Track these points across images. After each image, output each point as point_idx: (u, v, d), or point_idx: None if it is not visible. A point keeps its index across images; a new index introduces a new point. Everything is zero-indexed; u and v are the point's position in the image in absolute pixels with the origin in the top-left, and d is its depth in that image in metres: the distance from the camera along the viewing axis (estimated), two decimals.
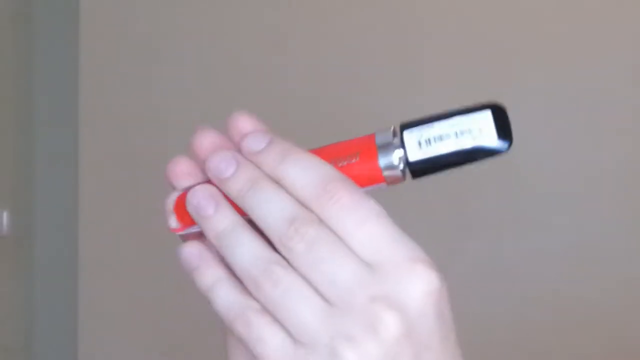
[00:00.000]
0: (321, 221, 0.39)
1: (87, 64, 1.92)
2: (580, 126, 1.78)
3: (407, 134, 0.43)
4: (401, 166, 0.43)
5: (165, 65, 1.91)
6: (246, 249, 0.40)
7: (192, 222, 0.44)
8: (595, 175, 1.77)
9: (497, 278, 1.76)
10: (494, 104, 0.43)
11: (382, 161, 0.43)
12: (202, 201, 0.42)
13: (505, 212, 1.78)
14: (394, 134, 0.44)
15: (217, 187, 0.43)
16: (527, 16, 1.80)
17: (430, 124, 0.43)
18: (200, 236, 0.44)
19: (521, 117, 1.79)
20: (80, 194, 1.93)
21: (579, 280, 1.76)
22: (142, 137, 1.91)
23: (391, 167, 0.43)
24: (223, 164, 0.42)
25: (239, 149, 0.43)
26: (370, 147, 0.43)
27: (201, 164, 0.44)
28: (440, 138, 0.43)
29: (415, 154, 0.43)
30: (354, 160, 0.43)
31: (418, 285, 0.38)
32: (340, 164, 0.43)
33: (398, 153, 0.43)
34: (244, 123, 0.44)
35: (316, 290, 0.39)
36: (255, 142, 0.42)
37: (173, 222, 0.45)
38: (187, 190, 0.44)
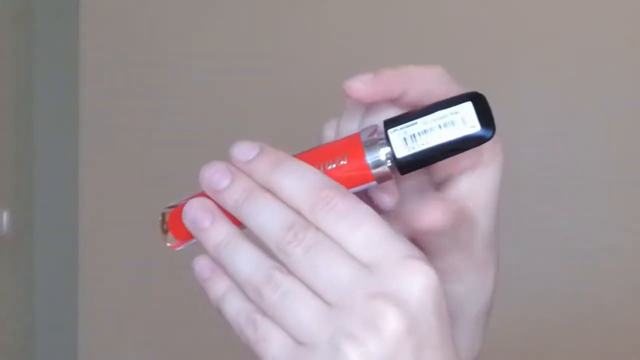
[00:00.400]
0: (317, 227, 0.40)
1: (87, 64, 1.92)
2: (580, 126, 1.78)
3: (391, 132, 0.44)
4: (389, 163, 0.44)
5: (165, 65, 1.91)
6: (245, 258, 0.41)
7: (188, 237, 0.45)
8: (596, 175, 1.77)
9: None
10: (473, 94, 0.44)
11: (370, 159, 0.43)
12: (198, 214, 0.43)
13: (505, 213, 1.77)
14: (379, 131, 0.44)
15: (211, 199, 0.43)
16: (527, 16, 1.80)
17: (413, 120, 0.43)
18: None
19: (521, 117, 1.79)
20: (80, 194, 1.93)
21: (579, 280, 1.76)
22: (142, 137, 1.91)
23: (379, 164, 0.44)
24: (217, 176, 0.43)
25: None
26: (357, 147, 0.44)
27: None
28: (425, 132, 0.43)
29: (402, 151, 0.43)
30: (342, 162, 0.44)
31: (416, 280, 0.39)
32: (329, 167, 0.44)
33: (384, 150, 0.44)
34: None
35: (315, 292, 0.40)
36: (245, 152, 0.43)
37: (170, 239, 0.46)
38: (179, 205, 0.45)
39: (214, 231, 0.43)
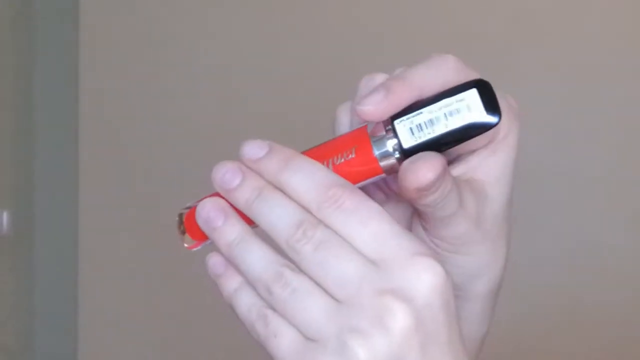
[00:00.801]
0: (326, 225, 0.41)
1: (87, 64, 1.92)
2: (581, 126, 1.78)
3: (397, 124, 0.44)
4: (396, 154, 0.44)
5: (166, 65, 1.91)
6: (256, 256, 0.42)
7: (204, 237, 0.45)
8: (596, 175, 1.77)
9: None
10: (478, 81, 0.44)
11: (377, 152, 0.44)
12: (211, 213, 0.44)
13: None
14: (386, 123, 0.44)
15: (224, 199, 0.44)
16: (527, 15, 1.80)
17: (419, 110, 0.44)
18: None
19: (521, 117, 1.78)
20: (81, 194, 1.93)
21: (579, 282, 1.76)
22: (142, 137, 1.91)
23: (387, 155, 0.44)
24: (229, 175, 0.44)
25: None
26: (364, 140, 0.44)
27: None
28: (431, 122, 0.43)
29: (409, 142, 0.43)
30: (350, 156, 0.44)
31: (424, 277, 0.40)
32: (338, 162, 0.44)
33: (392, 142, 0.44)
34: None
35: (324, 289, 0.40)
36: (255, 150, 0.44)
37: (187, 240, 0.47)
38: (194, 206, 0.45)
39: (227, 230, 0.43)
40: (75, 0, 1.91)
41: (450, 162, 0.47)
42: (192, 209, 0.46)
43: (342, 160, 0.44)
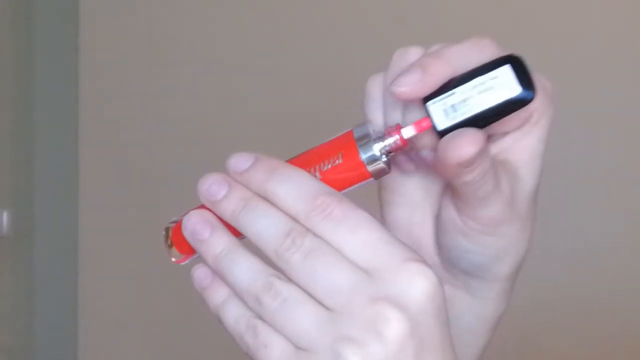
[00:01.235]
0: (315, 233, 0.40)
1: (87, 64, 1.92)
2: (581, 126, 1.78)
3: (430, 105, 0.43)
4: (384, 157, 0.43)
5: (166, 65, 1.91)
6: (244, 267, 0.41)
7: (192, 250, 0.45)
8: (596, 175, 1.77)
9: None
10: (510, 56, 0.43)
11: (364, 156, 0.43)
12: (197, 226, 0.43)
13: None
14: (371, 126, 0.44)
15: (210, 211, 0.44)
16: (527, 15, 1.80)
17: (452, 90, 0.43)
18: None
19: None
20: (81, 194, 1.93)
21: (579, 281, 1.76)
22: (142, 137, 1.91)
23: (374, 159, 0.43)
24: (214, 187, 0.43)
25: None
26: (350, 144, 0.43)
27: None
28: (465, 101, 0.42)
29: (443, 123, 0.43)
30: (337, 162, 0.43)
31: (416, 283, 0.39)
32: (325, 168, 0.43)
33: (378, 145, 0.43)
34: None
35: (315, 298, 0.40)
36: (241, 162, 0.43)
37: (174, 254, 0.46)
38: (180, 219, 0.45)
39: (213, 242, 0.43)
40: (75, 0, 1.91)
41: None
42: (179, 223, 0.45)
43: (329, 166, 0.43)
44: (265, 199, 0.42)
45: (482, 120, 0.42)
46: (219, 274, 0.43)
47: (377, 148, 0.43)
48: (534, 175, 0.47)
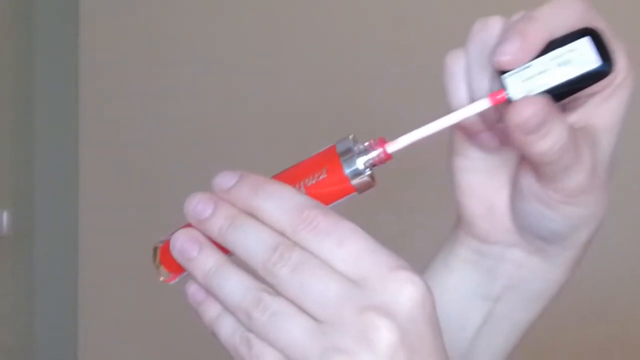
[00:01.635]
0: (302, 247, 0.41)
1: (87, 64, 1.92)
2: None
3: (507, 78, 0.43)
4: (367, 171, 0.43)
5: (166, 65, 1.91)
6: (233, 283, 0.42)
7: (181, 269, 0.45)
8: None
9: None
10: (587, 29, 0.43)
11: (348, 170, 0.43)
12: (185, 244, 0.44)
13: None
14: (354, 141, 0.44)
15: (197, 229, 0.44)
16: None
17: (529, 63, 0.42)
18: None
19: None
20: (81, 194, 1.94)
21: (579, 281, 1.76)
22: (142, 137, 1.91)
23: (357, 173, 0.43)
24: (201, 205, 0.43)
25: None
26: (334, 159, 0.44)
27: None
28: (542, 74, 0.42)
29: (519, 96, 0.42)
30: (322, 177, 0.44)
31: (405, 291, 0.39)
32: (309, 183, 0.44)
33: (362, 159, 0.43)
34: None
35: (305, 311, 0.40)
36: (225, 180, 0.44)
37: (163, 273, 0.47)
38: (168, 239, 0.45)
39: (202, 260, 0.43)
40: (75, 0, 1.91)
41: (564, 110, 0.46)
42: (167, 242, 0.45)
43: (314, 181, 0.44)
44: (252, 215, 0.42)
45: (559, 93, 0.42)
46: (209, 291, 0.43)
47: (360, 162, 0.43)
48: (614, 140, 0.47)
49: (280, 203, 0.42)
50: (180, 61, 1.91)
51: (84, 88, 1.92)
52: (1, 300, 1.83)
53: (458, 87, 0.46)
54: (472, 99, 0.45)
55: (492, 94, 0.43)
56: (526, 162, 0.47)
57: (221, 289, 0.42)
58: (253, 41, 1.88)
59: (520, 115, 0.41)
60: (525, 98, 0.41)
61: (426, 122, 0.45)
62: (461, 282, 0.53)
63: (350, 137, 0.44)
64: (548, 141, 0.42)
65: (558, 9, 0.43)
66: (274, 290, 0.41)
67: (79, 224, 1.93)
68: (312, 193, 0.43)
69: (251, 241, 0.41)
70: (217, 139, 1.88)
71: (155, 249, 0.47)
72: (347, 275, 0.40)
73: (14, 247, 1.87)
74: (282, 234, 0.41)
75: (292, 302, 0.40)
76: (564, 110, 0.45)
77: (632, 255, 1.76)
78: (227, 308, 0.42)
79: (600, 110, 0.46)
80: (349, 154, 0.44)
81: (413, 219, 1.79)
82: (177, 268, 0.45)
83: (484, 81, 0.45)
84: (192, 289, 0.44)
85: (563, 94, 0.42)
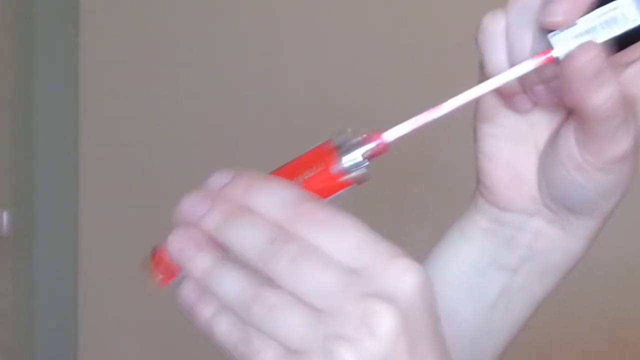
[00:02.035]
0: (300, 238, 0.41)
1: (87, 64, 1.92)
2: None
3: (552, 37, 0.43)
4: (365, 163, 0.44)
5: (166, 65, 1.91)
6: (233, 279, 0.41)
7: (172, 274, 0.45)
8: None
9: None
10: None
11: (345, 162, 0.44)
12: (183, 244, 0.43)
13: None
14: (351, 134, 0.44)
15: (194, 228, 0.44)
16: None
17: (574, 22, 0.43)
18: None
19: None
20: (81, 193, 1.94)
21: (578, 282, 1.76)
22: (142, 137, 1.91)
23: (355, 166, 0.44)
24: (196, 204, 0.43)
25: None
26: (330, 152, 0.44)
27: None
28: (587, 32, 0.43)
29: (565, 53, 0.43)
30: (318, 171, 0.44)
31: (405, 278, 0.39)
32: (306, 177, 0.44)
33: (358, 151, 0.44)
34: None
35: (305, 301, 0.40)
36: (220, 179, 0.44)
37: (156, 277, 0.47)
38: (160, 245, 0.45)
39: (200, 258, 0.43)
40: (75, 0, 1.91)
41: None
42: (160, 247, 0.45)
43: (310, 175, 0.44)
44: (248, 211, 0.42)
45: (605, 51, 0.43)
46: (208, 289, 0.43)
47: (357, 154, 0.44)
48: None
49: (276, 197, 0.41)
50: (180, 61, 1.91)
51: (84, 88, 1.92)
52: (1, 300, 1.84)
53: (497, 49, 0.46)
54: (513, 61, 0.45)
55: (537, 54, 0.44)
56: (571, 126, 0.47)
57: (220, 285, 0.42)
58: (253, 41, 1.88)
59: (579, 60, 0.42)
60: (582, 45, 0.42)
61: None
62: (478, 251, 0.53)
63: (348, 130, 0.45)
64: (604, 91, 0.42)
65: None
66: (273, 283, 0.40)
67: (79, 224, 1.93)
68: (309, 187, 0.43)
69: (248, 235, 0.41)
70: (217, 139, 1.88)
71: (146, 256, 0.47)
72: (347, 265, 0.40)
73: (14, 247, 1.87)
74: (279, 227, 0.41)
75: (292, 294, 0.40)
76: None
77: (632, 255, 1.76)
78: (226, 304, 0.42)
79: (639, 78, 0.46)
80: (346, 146, 0.44)
81: (413, 219, 1.79)
82: (170, 271, 0.45)
83: (526, 42, 0.45)
84: (187, 290, 0.44)
85: (608, 51, 0.43)
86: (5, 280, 1.86)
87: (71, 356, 1.94)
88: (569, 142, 0.47)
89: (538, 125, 0.49)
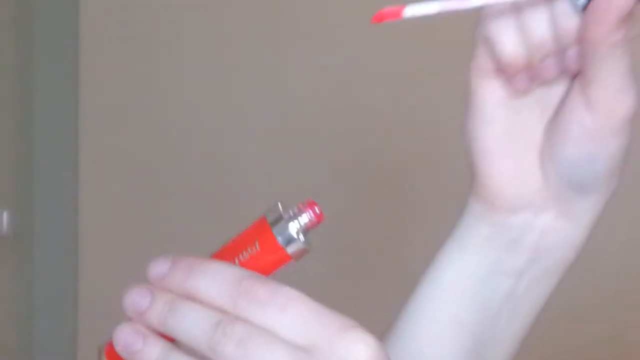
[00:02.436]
0: (245, 319, 0.40)
1: (87, 64, 1.92)
2: None
3: None
4: (301, 237, 0.43)
5: (166, 65, 1.91)
6: None
7: None
8: None
9: None
10: None
11: (281, 239, 0.43)
12: (129, 338, 0.43)
13: None
14: (284, 209, 0.43)
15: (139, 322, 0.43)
16: None
17: None
18: None
19: None
20: (81, 193, 1.94)
21: (577, 282, 1.75)
22: (142, 137, 1.91)
23: (291, 241, 0.43)
24: (138, 298, 0.43)
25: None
26: (265, 230, 0.43)
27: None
28: None
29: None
30: (255, 250, 0.43)
31: (356, 351, 0.38)
32: (243, 258, 0.43)
33: (294, 225, 0.43)
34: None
35: None
36: (159, 268, 0.43)
37: None
38: (107, 341, 0.45)
39: (147, 350, 0.42)
40: (75, 0, 1.91)
41: None
42: (110, 342, 0.45)
43: (247, 255, 0.43)
44: (190, 297, 0.41)
45: None
46: None
47: (292, 229, 0.43)
48: None
49: (216, 278, 0.41)
50: (180, 61, 1.91)
51: (84, 88, 1.92)
52: (1, 300, 1.84)
53: (507, 29, 0.48)
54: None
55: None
56: (577, 96, 0.46)
57: None
58: (253, 41, 1.87)
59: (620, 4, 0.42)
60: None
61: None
62: (480, 261, 0.52)
63: (279, 204, 0.44)
64: (622, 32, 0.43)
65: None
66: None
67: (79, 224, 1.93)
68: (248, 267, 0.43)
69: (191, 323, 0.40)
70: (217, 139, 1.88)
71: (99, 350, 0.46)
72: (294, 342, 0.38)
73: (14, 247, 1.87)
74: (223, 310, 0.40)
75: None
76: None
77: (632, 255, 1.76)
78: None
79: None
80: (280, 222, 0.43)
81: (413, 218, 1.79)
82: None
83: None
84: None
85: None
86: (5, 280, 1.86)
87: (71, 356, 1.94)
88: (578, 111, 0.46)
89: (531, 118, 0.49)
